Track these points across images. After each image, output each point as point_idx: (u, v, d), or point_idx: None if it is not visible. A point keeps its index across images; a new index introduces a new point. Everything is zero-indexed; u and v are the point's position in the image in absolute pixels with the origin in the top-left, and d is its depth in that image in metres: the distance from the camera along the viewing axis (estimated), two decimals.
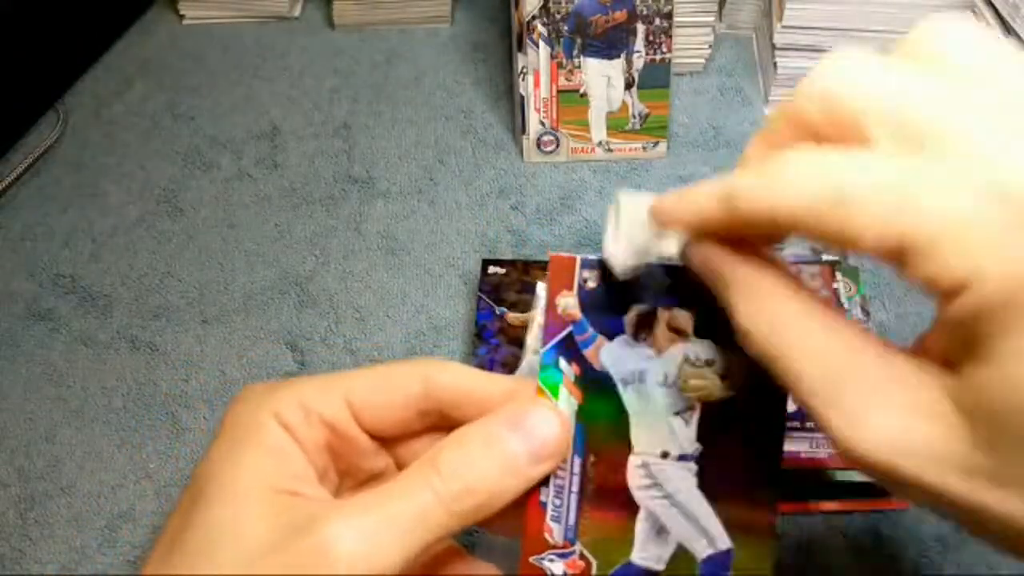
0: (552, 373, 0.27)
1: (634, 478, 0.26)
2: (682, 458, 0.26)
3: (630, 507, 0.26)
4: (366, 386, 0.26)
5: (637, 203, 0.25)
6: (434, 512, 0.23)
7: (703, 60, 0.67)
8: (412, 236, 0.59)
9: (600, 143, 0.62)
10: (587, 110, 0.61)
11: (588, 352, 0.27)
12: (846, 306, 0.50)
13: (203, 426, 0.50)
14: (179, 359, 0.53)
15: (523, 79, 0.60)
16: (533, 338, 0.45)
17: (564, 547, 0.26)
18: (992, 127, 0.18)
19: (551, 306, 0.27)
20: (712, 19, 0.65)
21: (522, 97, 0.61)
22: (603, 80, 0.60)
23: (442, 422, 0.26)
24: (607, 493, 0.26)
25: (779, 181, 0.20)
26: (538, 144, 0.62)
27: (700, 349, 0.27)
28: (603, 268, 0.27)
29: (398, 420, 0.26)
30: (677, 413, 0.27)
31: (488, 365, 0.49)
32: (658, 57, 0.60)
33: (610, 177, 0.62)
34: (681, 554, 0.26)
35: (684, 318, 0.27)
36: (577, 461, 0.26)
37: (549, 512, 0.26)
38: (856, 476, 0.45)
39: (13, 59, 0.62)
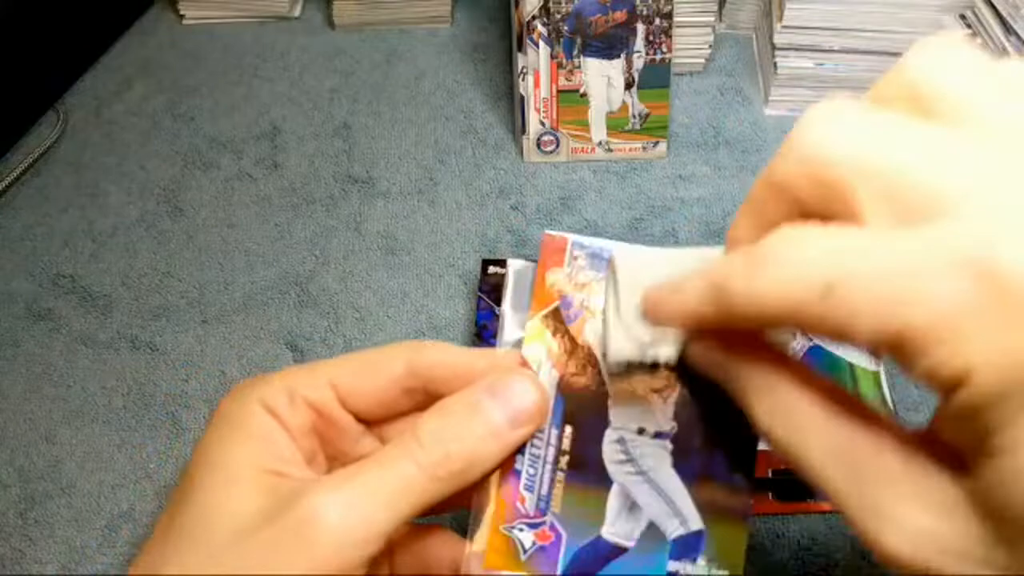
0: (536, 345, 0.27)
1: (610, 453, 0.27)
2: (658, 436, 0.27)
3: (604, 482, 0.27)
4: (350, 369, 0.27)
5: (634, 271, 0.26)
6: (416, 479, 0.24)
7: (703, 60, 0.67)
8: (412, 236, 0.59)
9: (600, 143, 0.62)
10: (587, 110, 0.61)
11: (573, 327, 0.27)
12: None
13: (203, 426, 0.50)
14: (179, 359, 0.53)
15: (523, 79, 0.60)
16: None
17: (535, 517, 0.26)
18: (991, 191, 0.17)
19: (541, 280, 0.28)
20: (712, 19, 0.65)
21: (522, 97, 0.61)
22: (603, 80, 0.60)
23: (428, 400, 0.26)
24: (582, 466, 0.27)
25: (764, 275, 0.19)
26: (538, 144, 0.62)
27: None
28: (592, 247, 0.28)
29: (383, 400, 0.27)
30: (656, 391, 0.27)
31: None
32: (658, 57, 0.60)
33: (610, 177, 0.62)
34: (652, 532, 0.26)
35: None
36: (554, 432, 0.27)
37: (523, 481, 0.26)
38: None
39: (13, 59, 0.62)
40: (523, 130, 0.62)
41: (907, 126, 0.19)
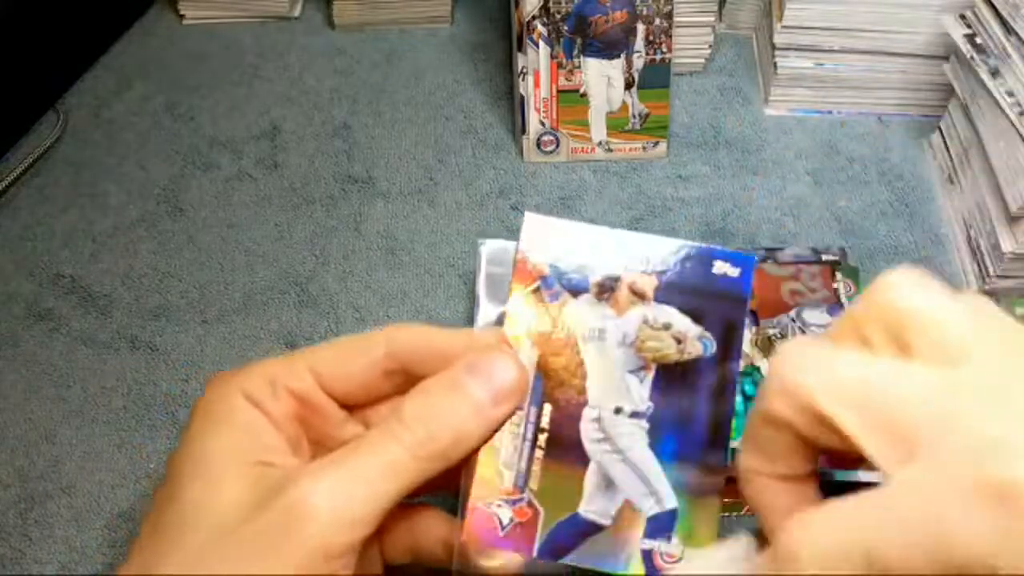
0: (515, 324, 0.28)
1: (588, 431, 0.27)
2: (635, 415, 0.27)
3: (581, 460, 0.27)
4: (330, 355, 0.27)
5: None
6: (401, 460, 0.24)
7: (703, 60, 0.67)
8: (412, 236, 0.59)
9: (600, 143, 0.62)
10: (587, 110, 0.61)
11: (553, 306, 0.28)
12: (846, 306, 0.50)
13: None
14: (179, 359, 0.53)
15: (523, 79, 0.60)
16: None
17: (513, 493, 0.27)
18: (981, 414, 0.18)
19: (522, 260, 0.28)
20: (712, 19, 0.65)
21: (522, 97, 0.61)
22: (603, 80, 0.60)
23: (409, 383, 0.27)
24: (560, 444, 0.27)
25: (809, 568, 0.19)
26: (538, 144, 0.62)
27: (659, 313, 0.28)
28: (576, 229, 0.29)
29: (364, 384, 0.27)
30: (632, 371, 0.28)
31: None
32: (658, 57, 0.60)
33: (610, 177, 0.62)
34: (627, 510, 0.27)
35: (646, 282, 0.28)
36: (533, 411, 0.27)
37: (501, 457, 0.27)
38: (856, 476, 0.45)
39: (12, 59, 0.62)
40: (523, 130, 0.62)
41: (882, 360, 0.20)
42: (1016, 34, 0.53)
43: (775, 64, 0.63)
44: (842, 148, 0.64)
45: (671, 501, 0.27)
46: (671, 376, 0.28)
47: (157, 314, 0.55)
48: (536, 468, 0.27)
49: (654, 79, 0.60)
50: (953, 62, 0.59)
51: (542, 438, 0.27)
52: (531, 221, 0.29)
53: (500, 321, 0.28)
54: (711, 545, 0.26)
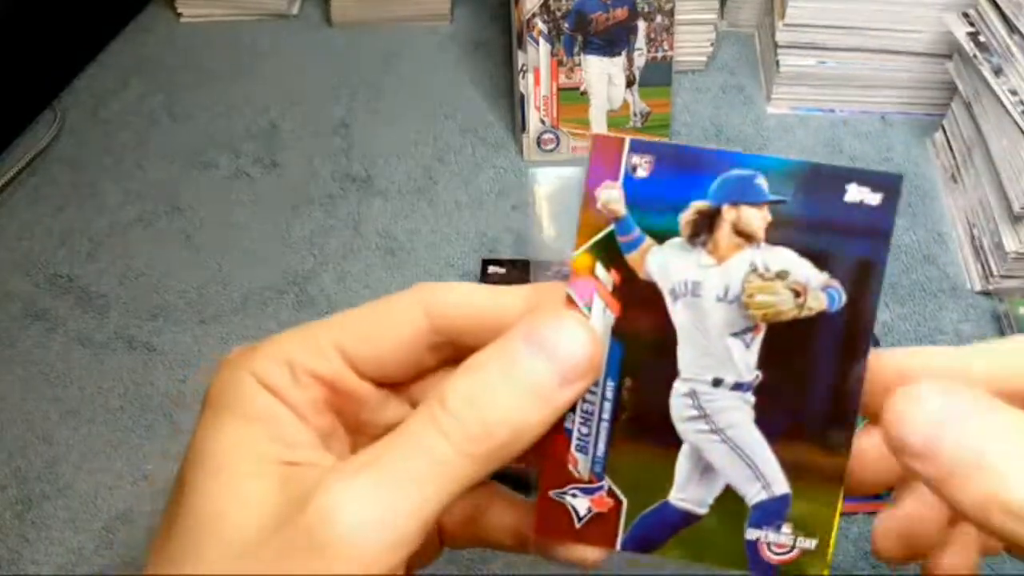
0: (584, 282, 0.23)
1: (678, 408, 0.23)
2: (737, 387, 0.23)
3: (671, 441, 0.23)
4: (359, 330, 0.22)
5: (554, 193, 0.22)
6: (449, 459, 0.19)
7: (705, 58, 0.67)
8: (411, 236, 0.58)
9: None
10: (588, 108, 0.60)
11: (632, 256, 0.23)
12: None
13: None
14: (176, 359, 0.52)
15: (523, 77, 0.60)
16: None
17: (590, 481, 0.23)
18: None
19: (589, 200, 0.23)
20: (714, 17, 0.65)
21: (522, 95, 0.60)
22: (604, 78, 0.60)
23: (459, 354, 0.22)
24: (645, 423, 0.23)
25: None
26: (538, 142, 0.61)
27: (772, 258, 0.22)
28: (658, 153, 0.23)
29: (404, 361, 0.23)
30: (736, 334, 0.23)
31: None
32: (659, 55, 0.60)
33: None
34: (728, 498, 0.23)
35: (756, 218, 0.22)
36: (611, 385, 0.23)
37: (574, 441, 0.23)
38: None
39: (10, 58, 0.62)
40: (523, 128, 0.61)
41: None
42: (1019, 32, 0.53)
43: (777, 62, 0.63)
44: (845, 147, 0.63)
45: (781, 486, 0.23)
46: (786, 337, 0.22)
47: (154, 314, 0.54)
48: (616, 452, 0.23)
49: (655, 77, 0.60)
50: (956, 60, 0.59)
51: (622, 417, 0.23)
52: (602, 144, 0.23)
53: (565, 276, 0.23)
54: (828, 533, 0.23)
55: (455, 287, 0.22)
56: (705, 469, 0.23)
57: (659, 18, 0.59)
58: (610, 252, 0.23)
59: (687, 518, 0.23)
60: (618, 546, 0.23)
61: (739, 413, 0.23)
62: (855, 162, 0.62)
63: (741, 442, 0.23)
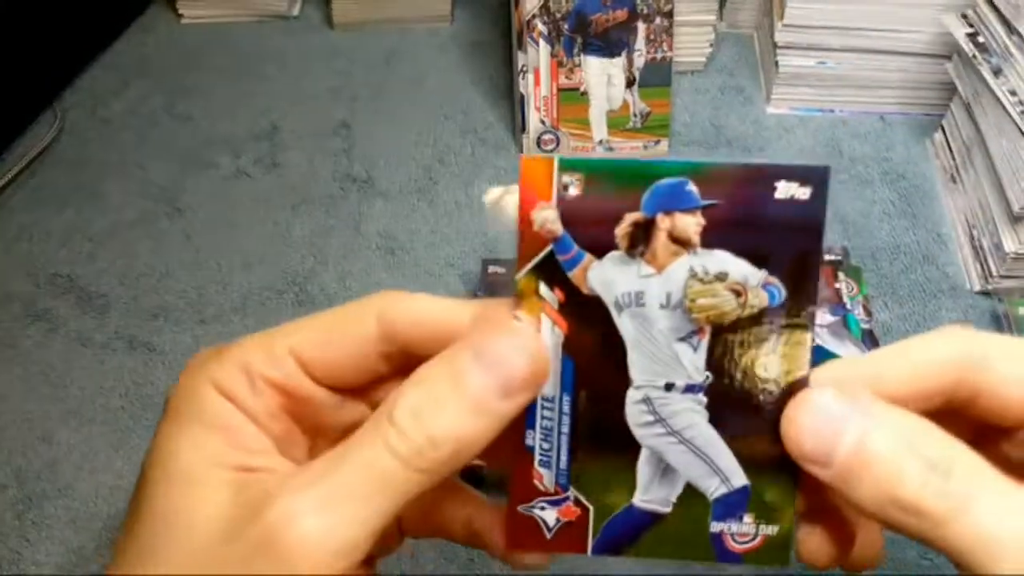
0: (530, 303, 0.23)
1: (634, 415, 0.24)
2: (689, 389, 0.23)
3: (630, 447, 0.24)
4: (314, 337, 0.23)
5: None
6: (396, 472, 0.20)
7: (704, 59, 0.67)
8: (412, 236, 0.58)
9: (601, 142, 0.62)
10: (587, 109, 0.60)
11: (574, 274, 0.23)
12: (848, 306, 0.49)
13: None
14: (177, 359, 0.52)
15: (523, 77, 0.60)
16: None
17: (556, 493, 0.24)
18: None
19: (525, 222, 0.23)
20: (713, 18, 0.65)
21: (522, 96, 0.60)
22: (604, 79, 0.60)
23: (411, 363, 0.23)
24: (603, 433, 0.24)
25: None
26: (538, 143, 0.62)
27: (709, 261, 0.23)
28: (587, 169, 0.23)
29: (358, 369, 0.23)
30: (683, 339, 0.23)
31: None
32: (659, 56, 0.60)
33: None
34: (690, 495, 0.24)
35: (691, 224, 0.23)
36: (567, 399, 0.23)
37: (537, 456, 0.24)
38: None
39: (10, 58, 0.62)
40: (523, 129, 0.61)
41: None
42: (1018, 33, 0.53)
43: (776, 63, 0.63)
44: (844, 147, 0.63)
45: (740, 479, 0.23)
46: (731, 335, 0.23)
47: (155, 314, 0.54)
48: (578, 463, 0.24)
49: (655, 78, 0.60)
50: (955, 61, 0.59)
51: (581, 429, 0.23)
52: (530, 166, 0.23)
53: (517, 294, 0.24)
54: (788, 519, 0.23)
55: (411, 297, 0.23)
56: (665, 470, 0.24)
57: (658, 19, 0.59)
58: (552, 271, 0.23)
59: (653, 518, 0.24)
60: (589, 551, 0.24)
61: (693, 414, 0.23)
62: (855, 163, 0.62)
63: (697, 442, 0.23)
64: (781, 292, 0.23)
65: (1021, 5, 0.52)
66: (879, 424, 0.20)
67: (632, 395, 0.23)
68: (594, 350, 0.23)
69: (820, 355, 0.53)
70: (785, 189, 0.22)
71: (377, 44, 0.71)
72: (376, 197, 0.61)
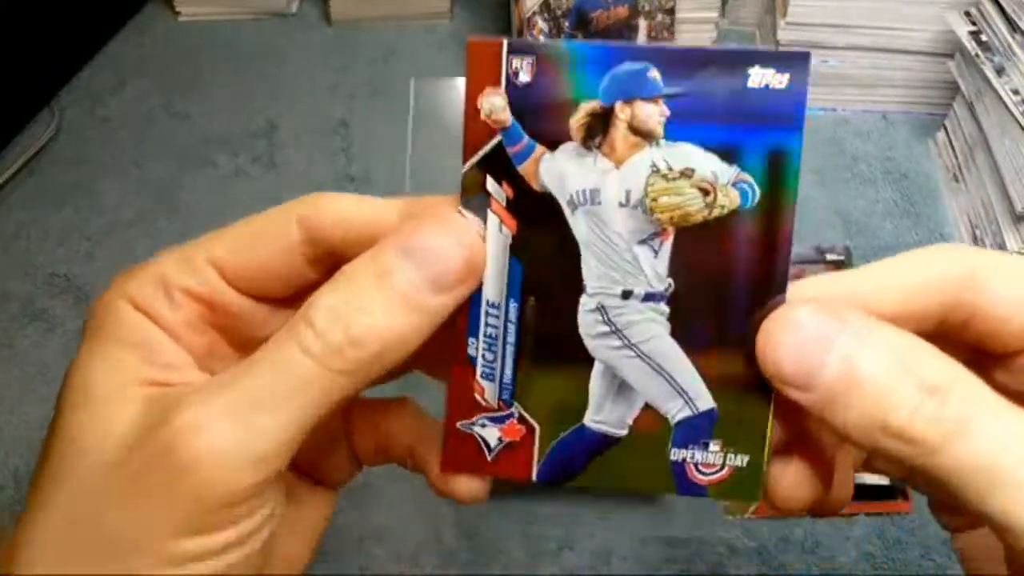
0: (475, 199, 0.21)
1: (587, 324, 0.21)
2: (649, 298, 0.21)
3: (582, 360, 0.21)
4: (233, 244, 0.21)
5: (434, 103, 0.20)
6: (313, 375, 0.18)
7: None
8: None
9: None
10: None
11: (524, 168, 0.21)
12: None
13: None
14: None
15: None
16: None
17: (499, 409, 0.21)
18: None
19: (472, 110, 0.21)
20: (715, 15, 0.64)
21: None
22: None
23: (339, 267, 0.21)
24: (552, 344, 0.21)
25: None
26: None
27: (674, 155, 0.20)
28: (540, 54, 0.21)
29: (282, 275, 0.22)
30: (642, 241, 0.21)
31: None
32: None
33: None
34: (649, 416, 0.21)
35: (653, 114, 0.21)
36: (513, 306, 0.21)
37: (479, 368, 0.21)
38: (861, 479, 0.44)
39: (8, 58, 0.62)
40: None
41: None
42: (1021, 31, 0.52)
43: None
44: (846, 146, 0.63)
45: (706, 401, 0.21)
46: (697, 240, 0.21)
47: None
48: (524, 376, 0.21)
49: None
50: (958, 59, 0.59)
51: (528, 339, 0.21)
52: (478, 49, 0.21)
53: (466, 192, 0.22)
54: (760, 449, 0.21)
55: (335, 197, 0.21)
56: (621, 388, 0.21)
57: (660, 16, 0.58)
58: (500, 165, 0.21)
59: (605, 441, 0.21)
60: (534, 476, 0.22)
61: (653, 325, 0.21)
62: (857, 162, 0.62)
63: (658, 356, 0.21)
64: (755, 191, 0.20)
65: None
66: (869, 342, 0.18)
67: (585, 302, 0.21)
68: (545, 252, 0.21)
69: None
70: (759, 76, 0.20)
71: (375, 41, 0.70)
72: (375, 195, 0.60)
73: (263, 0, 0.71)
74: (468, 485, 0.22)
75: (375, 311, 0.19)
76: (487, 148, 0.21)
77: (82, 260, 0.57)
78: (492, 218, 0.21)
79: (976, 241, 0.56)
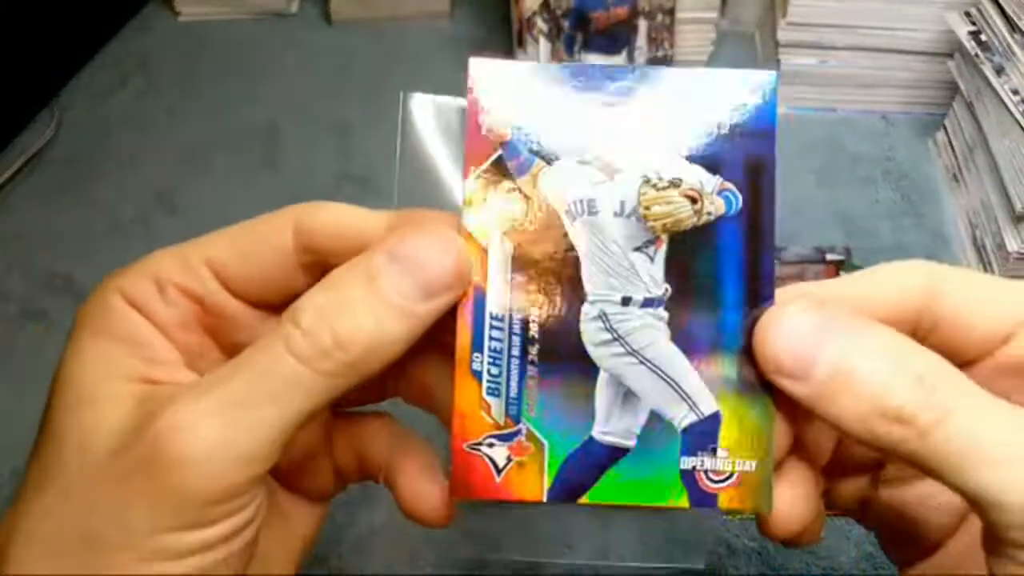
0: (477, 212, 0.22)
1: (590, 333, 0.22)
2: (648, 303, 0.22)
3: (587, 371, 0.22)
4: (229, 246, 0.22)
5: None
6: (298, 376, 0.19)
7: (706, 57, 0.67)
8: None
9: None
10: None
11: (524, 180, 0.22)
12: None
13: None
14: None
15: None
16: None
17: (507, 426, 0.21)
18: None
19: (473, 126, 0.22)
20: (715, 15, 0.64)
21: None
22: None
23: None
24: (558, 355, 0.21)
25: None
26: None
27: (662, 165, 0.22)
28: (540, 74, 0.22)
29: (276, 280, 0.22)
30: (638, 248, 0.22)
31: None
32: (660, 54, 0.59)
33: None
34: (655, 426, 0.22)
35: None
36: (517, 318, 0.21)
37: (485, 384, 0.21)
38: None
39: (7, 57, 0.62)
40: None
41: None
42: (1021, 31, 0.53)
43: (778, 61, 0.63)
44: (846, 146, 0.63)
45: (709, 405, 0.21)
46: (688, 246, 0.22)
47: None
48: (531, 390, 0.21)
49: None
50: (958, 59, 0.59)
51: (533, 351, 0.21)
52: (480, 68, 0.22)
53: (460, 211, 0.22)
54: (767, 452, 0.21)
55: (328, 206, 0.22)
56: (626, 397, 0.22)
57: (660, 16, 0.58)
58: (501, 177, 0.22)
59: (614, 454, 0.22)
60: (544, 496, 0.21)
61: (653, 331, 0.22)
62: (857, 162, 0.62)
63: (660, 361, 0.22)
64: (738, 198, 0.22)
65: None
66: (861, 334, 0.19)
67: (587, 311, 0.22)
68: (546, 263, 0.22)
69: None
70: (731, 95, 0.22)
71: (376, 41, 0.70)
72: (375, 196, 0.60)
73: (263, 0, 0.71)
74: (435, 508, 0.22)
75: (361, 313, 0.19)
76: (488, 162, 0.22)
77: (82, 260, 0.57)
78: (494, 231, 0.22)
79: (976, 241, 0.56)
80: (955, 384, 0.19)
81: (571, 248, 0.22)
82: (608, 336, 0.22)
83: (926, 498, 0.24)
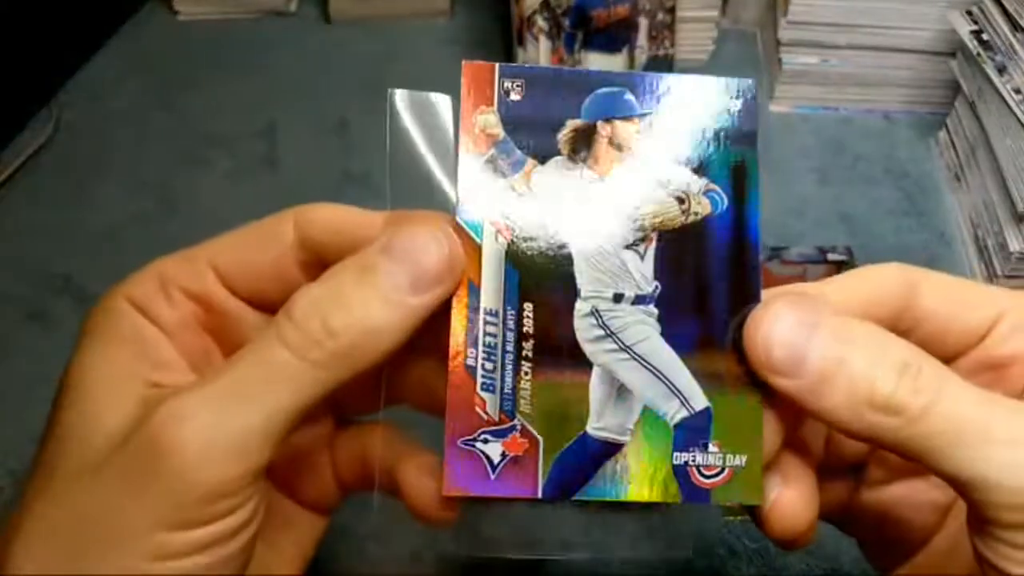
0: (470, 207, 0.22)
1: (583, 329, 0.22)
2: (639, 300, 0.22)
3: (581, 366, 0.22)
4: (232, 249, 0.23)
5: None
6: (290, 367, 0.19)
7: (706, 56, 0.67)
8: None
9: None
10: None
11: (516, 179, 0.22)
12: None
13: None
14: None
15: None
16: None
17: (501, 422, 0.21)
18: None
19: (467, 126, 0.22)
20: (716, 14, 0.64)
21: None
22: None
23: None
24: (552, 350, 0.22)
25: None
26: None
27: (651, 166, 0.23)
28: (528, 77, 0.23)
29: (277, 279, 0.22)
30: (629, 246, 0.22)
31: None
32: (661, 52, 0.59)
33: None
34: (649, 421, 0.22)
35: (630, 131, 0.23)
36: (511, 313, 0.22)
37: (479, 379, 0.21)
38: None
39: (6, 57, 0.61)
40: None
41: None
42: (1023, 30, 0.52)
43: (780, 60, 0.63)
44: (848, 146, 0.63)
45: (700, 400, 0.22)
46: (677, 245, 0.22)
47: None
48: (525, 385, 0.21)
49: None
50: (960, 59, 0.58)
51: (527, 346, 0.22)
52: (473, 71, 0.22)
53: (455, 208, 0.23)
54: (757, 448, 0.21)
55: (326, 206, 0.23)
56: (620, 392, 0.22)
57: (660, 15, 0.58)
58: (494, 176, 0.22)
59: (608, 449, 0.22)
60: (539, 492, 0.22)
61: (645, 327, 0.22)
62: (859, 161, 0.62)
63: (651, 357, 0.22)
64: (723, 199, 0.23)
65: None
66: (847, 330, 0.20)
67: (580, 307, 0.22)
68: (540, 259, 0.22)
69: None
70: (714, 101, 0.23)
71: (375, 40, 0.70)
72: (375, 195, 0.60)
73: None
74: (437, 506, 0.22)
75: (353, 305, 0.19)
76: (482, 160, 0.23)
77: (82, 260, 0.57)
78: (488, 227, 0.22)
79: (978, 240, 0.56)
80: (937, 372, 0.20)
81: (564, 245, 0.22)
82: (601, 332, 0.22)
83: (908, 497, 0.24)
